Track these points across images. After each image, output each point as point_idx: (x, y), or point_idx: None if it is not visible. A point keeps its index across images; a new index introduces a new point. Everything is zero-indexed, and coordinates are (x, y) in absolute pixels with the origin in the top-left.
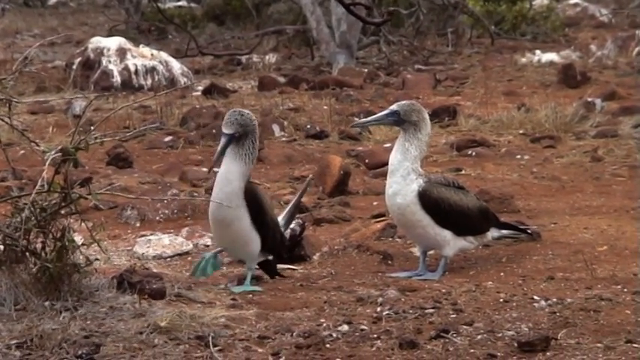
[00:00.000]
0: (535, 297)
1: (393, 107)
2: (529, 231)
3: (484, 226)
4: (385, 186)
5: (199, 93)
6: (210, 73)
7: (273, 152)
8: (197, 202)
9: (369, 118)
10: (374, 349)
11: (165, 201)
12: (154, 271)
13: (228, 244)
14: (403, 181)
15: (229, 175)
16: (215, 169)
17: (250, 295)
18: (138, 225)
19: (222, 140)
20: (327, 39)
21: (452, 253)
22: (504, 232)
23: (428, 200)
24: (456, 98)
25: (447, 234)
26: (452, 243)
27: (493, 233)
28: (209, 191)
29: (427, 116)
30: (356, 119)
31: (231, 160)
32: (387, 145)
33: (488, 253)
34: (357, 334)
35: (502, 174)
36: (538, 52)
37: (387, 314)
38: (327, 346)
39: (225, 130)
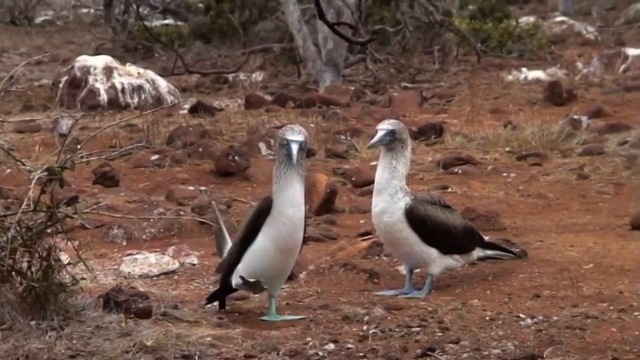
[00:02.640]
0: (521, 315)
1: (388, 127)
2: (514, 251)
3: (469, 244)
4: (371, 204)
5: (186, 111)
6: (197, 91)
7: (260, 170)
8: (183, 221)
9: (373, 141)
10: None
11: (152, 220)
12: (140, 290)
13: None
14: (391, 200)
15: (301, 198)
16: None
17: (236, 314)
18: (124, 244)
19: (295, 147)
20: (313, 57)
21: (438, 272)
22: (489, 252)
23: (415, 218)
24: (442, 116)
25: (433, 252)
26: (438, 261)
27: (478, 253)
28: (195, 209)
29: None
30: (342, 137)
31: (298, 182)
32: (374, 163)
33: (475, 271)
34: (343, 352)
35: (488, 192)
36: (524, 69)
37: (373, 333)
38: None
39: (296, 138)
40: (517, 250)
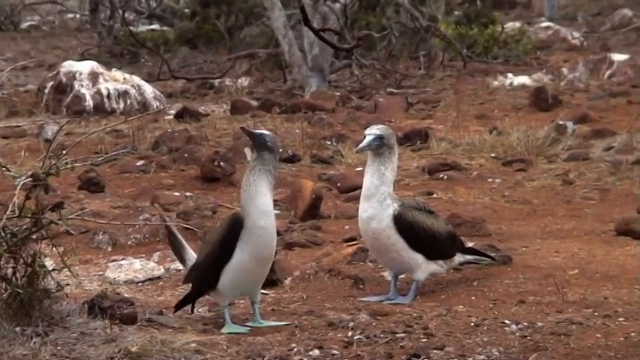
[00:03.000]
0: (506, 321)
1: (376, 132)
2: (493, 256)
3: (452, 250)
4: (358, 210)
5: (172, 117)
6: (183, 96)
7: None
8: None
9: (361, 146)
10: None
11: (137, 225)
12: (126, 296)
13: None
14: (379, 206)
15: (271, 206)
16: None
17: (221, 320)
18: (109, 250)
19: (256, 131)
20: (299, 62)
21: (423, 277)
22: (469, 257)
23: (403, 224)
24: (428, 121)
25: (419, 258)
26: (423, 267)
27: (459, 258)
28: (180, 215)
29: None
30: (328, 143)
31: (267, 189)
32: (359, 168)
33: (460, 277)
34: (328, 358)
35: (473, 197)
36: (510, 75)
37: (358, 339)
38: None
39: (260, 131)
40: (497, 255)
